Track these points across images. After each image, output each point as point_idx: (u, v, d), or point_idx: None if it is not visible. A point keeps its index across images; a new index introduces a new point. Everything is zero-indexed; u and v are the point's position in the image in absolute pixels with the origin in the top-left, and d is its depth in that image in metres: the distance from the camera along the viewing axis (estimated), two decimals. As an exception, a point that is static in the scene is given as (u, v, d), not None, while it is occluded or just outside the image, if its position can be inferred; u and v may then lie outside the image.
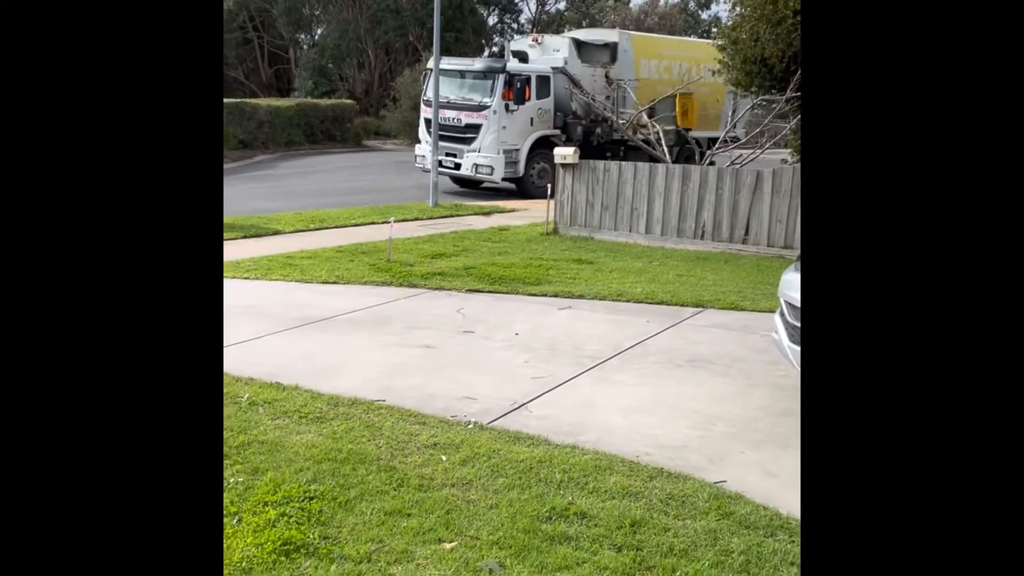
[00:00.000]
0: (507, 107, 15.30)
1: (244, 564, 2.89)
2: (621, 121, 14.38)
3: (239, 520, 3.19)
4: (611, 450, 4.03)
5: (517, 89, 15.31)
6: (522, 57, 16.96)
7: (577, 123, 16.67)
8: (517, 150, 15.63)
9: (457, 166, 15.79)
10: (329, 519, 3.25)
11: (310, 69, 32.57)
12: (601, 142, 16.89)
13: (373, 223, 11.45)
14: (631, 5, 40.63)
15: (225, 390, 4.59)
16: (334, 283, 7.74)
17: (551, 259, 9.25)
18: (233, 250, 9.17)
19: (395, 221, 9.84)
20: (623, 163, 11.19)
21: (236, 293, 7.22)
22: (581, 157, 16.48)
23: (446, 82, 15.76)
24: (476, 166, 15.59)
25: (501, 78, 15.37)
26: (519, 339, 6.07)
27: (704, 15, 43.24)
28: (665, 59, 18.22)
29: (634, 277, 8.36)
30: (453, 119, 15.85)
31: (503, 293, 7.58)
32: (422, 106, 16.72)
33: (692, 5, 43.08)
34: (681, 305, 7.21)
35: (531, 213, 13.17)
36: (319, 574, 2.88)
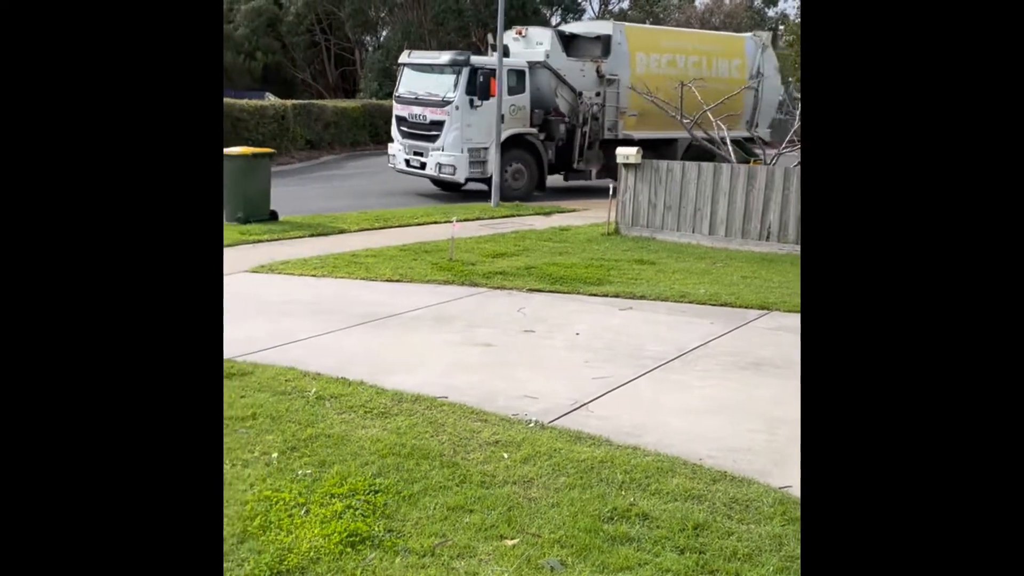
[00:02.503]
0: (471, 103, 14.09)
1: (312, 554, 2.97)
2: (685, 120, 13.57)
3: (307, 511, 3.27)
4: (673, 452, 4.00)
5: (481, 84, 13.98)
6: (504, 53, 15.34)
7: (559, 121, 15.35)
8: (485, 149, 14.26)
9: (422, 165, 14.74)
10: (393, 512, 3.31)
11: (375, 70, 33.08)
12: (590, 142, 15.62)
13: (435, 222, 11.58)
14: (696, 3, 40.10)
15: (293, 384, 4.72)
16: (397, 281, 7.86)
17: (612, 259, 9.21)
18: (300, 248, 9.39)
19: (457, 220, 9.94)
20: (687, 163, 11.05)
21: (303, 290, 7.40)
22: (561, 158, 15.56)
23: (414, 77, 15.02)
24: (439, 165, 14.42)
25: (465, 72, 14.15)
26: (580, 339, 6.06)
27: (771, 12, 42.39)
28: (667, 52, 16.44)
29: (697, 278, 8.26)
30: (419, 116, 14.83)
31: (564, 293, 7.58)
32: (394, 103, 15.73)
33: (758, 2, 42.27)
34: (745, 307, 7.10)
35: (592, 213, 13.13)
36: (384, 566, 2.93)
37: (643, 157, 16.16)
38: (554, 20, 36.73)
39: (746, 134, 17.29)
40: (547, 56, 15.23)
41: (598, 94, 15.68)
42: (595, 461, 3.85)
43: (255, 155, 10.92)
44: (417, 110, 14.79)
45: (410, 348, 5.73)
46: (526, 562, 3.00)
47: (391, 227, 11.22)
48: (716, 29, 29.27)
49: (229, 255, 8.91)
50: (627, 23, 18.26)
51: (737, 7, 40.31)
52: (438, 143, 14.40)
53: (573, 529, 3.22)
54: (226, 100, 18.94)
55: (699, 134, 13.56)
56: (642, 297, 7.42)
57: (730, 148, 12.20)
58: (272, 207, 11.19)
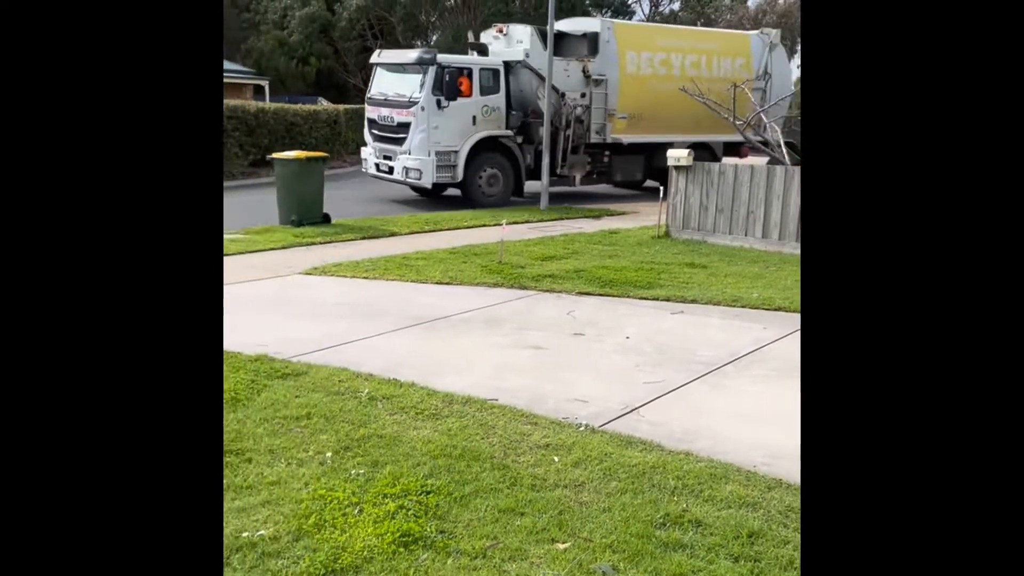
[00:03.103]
0: (438, 103, 13.21)
1: (366, 553, 3.01)
2: (738, 122, 13.20)
3: (360, 510, 3.31)
4: (727, 458, 3.95)
5: (448, 83, 13.19)
6: (481, 49, 14.98)
7: (539, 123, 14.20)
8: (455, 152, 13.52)
9: (390, 170, 13.96)
10: (445, 513, 3.33)
11: (425, 75, 33.34)
12: (574, 146, 14.75)
13: (485, 225, 11.63)
14: (748, 4, 39.53)
15: (346, 385, 4.79)
16: (447, 283, 7.91)
17: (663, 263, 9.13)
18: (352, 251, 9.52)
19: (507, 223, 9.96)
20: (739, 165, 10.89)
21: (355, 292, 7.50)
22: (540, 163, 14.30)
23: (385, 77, 14.29)
24: (406, 170, 13.61)
25: (431, 71, 13.24)
26: (630, 342, 6.02)
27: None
28: (661, 51, 15.37)
29: (750, 282, 8.13)
30: (387, 118, 14.01)
31: (613, 296, 7.54)
32: (366, 105, 14.94)
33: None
34: (799, 312, 6.96)
35: (642, 216, 13.04)
36: (436, 567, 2.95)
37: (635, 163, 15.54)
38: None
39: (753, 137, 16.22)
40: (527, 55, 14.29)
41: (583, 95, 14.79)
42: (647, 466, 3.81)
43: (308, 159, 11.11)
44: (386, 111, 14.02)
45: (460, 350, 5.76)
46: (578, 566, 2.99)
47: (441, 230, 11.29)
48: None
49: (283, 257, 9.09)
50: (616, 20, 17.02)
51: (791, 7, 39.63)
52: (405, 146, 13.61)
53: (625, 534, 3.20)
54: (280, 105, 19.35)
55: (752, 136, 13.28)
56: (693, 301, 7.34)
57: (784, 150, 11.95)
58: (325, 210, 11.38)
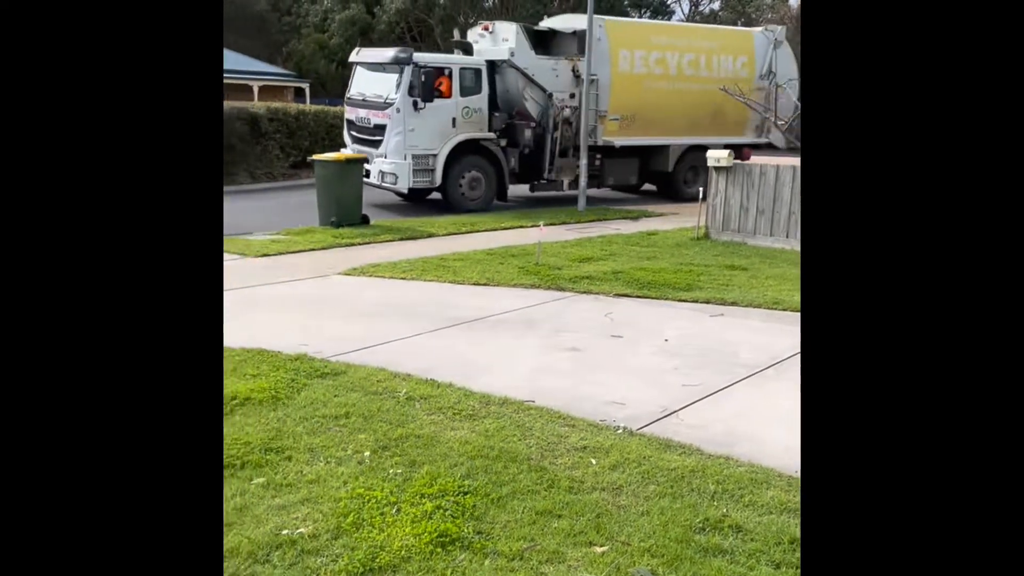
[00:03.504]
0: (414, 105, 12.40)
1: (403, 552, 3.02)
2: (780, 122, 12.92)
3: (398, 510, 3.32)
4: (768, 463, 3.88)
5: (424, 83, 12.36)
6: (465, 48, 14.22)
7: (525, 125, 13.63)
8: (433, 155, 12.74)
9: (367, 173, 12.78)
10: (482, 514, 3.32)
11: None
12: (562, 149, 13.98)
13: (521, 227, 11.62)
14: (790, 3, 38.98)
15: (384, 385, 4.81)
16: (484, 285, 7.92)
17: (702, 264, 9.03)
18: (390, 252, 9.59)
19: (544, 225, 9.94)
20: (781, 166, 10.73)
21: (393, 292, 7.55)
22: (528, 166, 13.89)
23: (364, 77, 13.52)
24: (382, 174, 12.76)
25: (407, 71, 12.43)
26: (668, 345, 5.97)
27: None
28: (656, 49, 14.46)
29: (791, 284, 8.01)
30: (364, 120, 13.22)
31: (652, 298, 7.48)
32: (345, 106, 14.19)
33: None
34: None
35: (680, 218, 12.92)
36: (473, 568, 2.95)
37: (629, 166, 14.85)
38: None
39: (755, 140, 15.89)
40: (512, 53, 13.42)
41: (573, 95, 14.00)
42: (686, 470, 3.77)
43: (348, 161, 11.22)
44: (363, 113, 13.25)
45: (497, 351, 5.76)
46: (615, 570, 2.96)
47: (478, 231, 11.32)
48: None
49: (323, 258, 9.19)
50: (609, 17, 15.89)
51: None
52: (381, 149, 12.80)
53: (664, 539, 3.16)
54: (321, 107, 19.55)
55: (792, 138, 13.04)
56: (733, 303, 7.25)
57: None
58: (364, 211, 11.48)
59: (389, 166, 12.63)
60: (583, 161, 13.52)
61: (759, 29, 16.56)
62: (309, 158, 11.32)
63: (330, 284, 7.93)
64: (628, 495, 3.53)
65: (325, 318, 6.57)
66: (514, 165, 13.74)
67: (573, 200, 13.85)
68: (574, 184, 14.11)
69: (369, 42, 34.82)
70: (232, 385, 4.67)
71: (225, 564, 2.91)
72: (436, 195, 13.63)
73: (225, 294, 7.32)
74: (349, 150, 13.66)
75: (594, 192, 15.31)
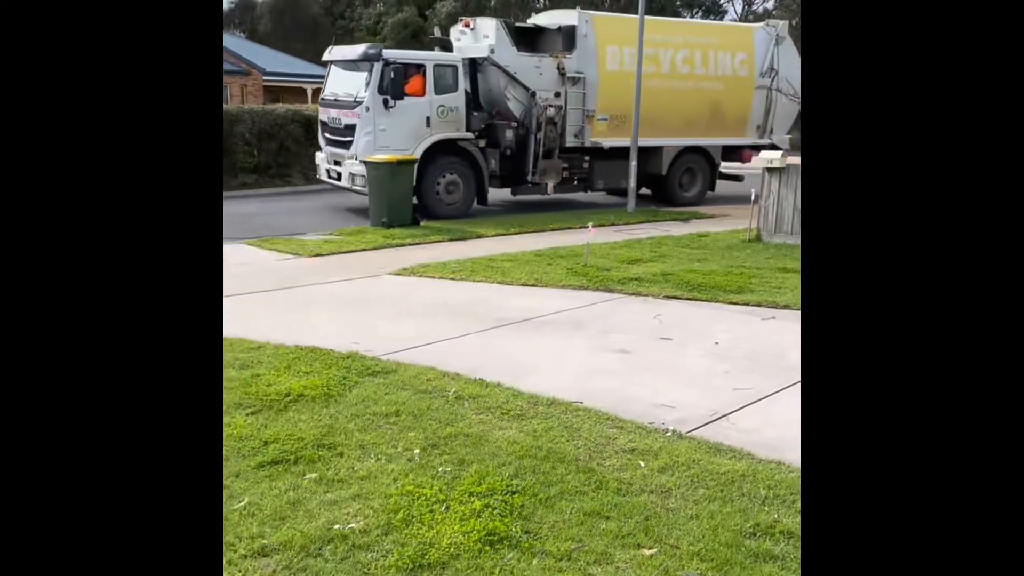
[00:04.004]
0: (385, 103, 11.75)
1: (452, 550, 3.05)
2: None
3: (447, 508, 3.36)
4: (820, 469, 3.81)
5: (394, 80, 11.68)
6: (444, 45, 13.65)
7: (506, 126, 12.92)
8: None
9: (339, 176, 12.54)
10: (530, 514, 3.34)
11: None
12: (546, 150, 13.26)
13: (570, 228, 11.60)
14: None
15: (433, 384, 4.86)
16: (532, 285, 7.94)
17: (753, 267, 8.91)
18: (440, 252, 9.67)
19: (593, 226, 9.91)
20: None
21: (443, 292, 7.61)
22: (510, 168, 13.21)
23: (337, 75, 12.98)
24: (352, 176, 12.13)
25: (377, 68, 11.78)
26: (719, 348, 5.90)
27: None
28: (647, 46, 13.58)
29: (845, 288, 7.83)
30: (336, 120, 12.60)
31: (702, 301, 7.40)
32: (319, 106, 13.62)
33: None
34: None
35: (732, 220, 12.76)
36: (521, 567, 2.96)
37: (619, 169, 13.94)
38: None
39: (756, 141, 15.15)
40: (492, 50, 12.75)
41: (558, 94, 13.26)
42: (736, 474, 3.73)
43: (399, 162, 11.34)
44: (335, 113, 12.65)
45: (545, 352, 5.77)
46: (664, 573, 2.95)
47: (526, 232, 11.34)
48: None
49: (374, 258, 9.31)
50: (596, 12, 15.04)
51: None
52: (351, 150, 12.15)
53: (713, 543, 3.14)
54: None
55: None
56: (786, 307, 7.13)
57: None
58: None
59: (359, 168, 11.87)
60: (633, 164, 13.37)
61: (760, 25, 15.70)
62: (361, 159, 11.46)
63: (381, 284, 8.04)
64: (677, 498, 3.51)
65: (376, 317, 6.66)
66: (495, 167, 13.02)
67: (557, 205, 13.31)
68: (560, 187, 13.63)
69: (421, 46, 35.16)
70: (286, 381, 4.77)
71: (279, 557, 2.98)
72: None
73: (279, 292, 7.49)
74: (323, 152, 13.21)
75: (582, 196, 14.69)
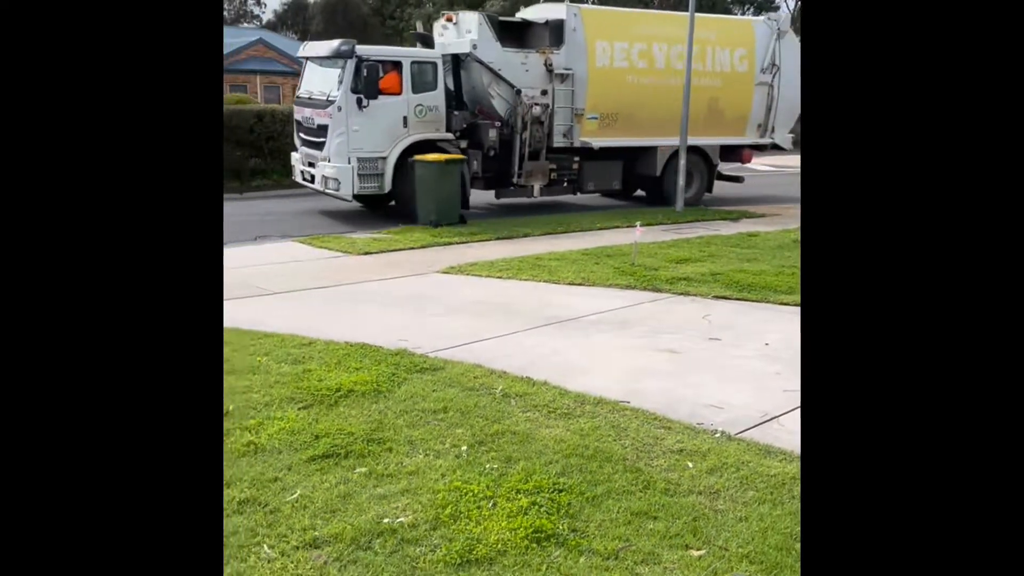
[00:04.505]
0: (359, 102, 11.17)
1: (499, 546, 3.07)
2: None
3: (494, 504, 3.38)
4: (874, 474, 3.74)
5: (368, 78, 11.12)
6: (425, 41, 13.09)
7: (489, 125, 12.28)
8: (381, 158, 11.48)
9: (313, 178, 12.01)
10: (577, 513, 3.34)
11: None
12: (532, 151, 12.65)
13: (617, 227, 11.55)
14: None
15: (480, 381, 4.89)
16: (580, 284, 7.92)
17: (805, 267, 8.74)
18: (487, 251, 9.72)
19: (641, 226, 9.85)
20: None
21: (490, 291, 7.65)
22: (494, 170, 12.37)
23: (312, 73, 12.40)
24: (324, 179, 11.61)
25: (350, 66, 11.22)
26: (769, 349, 5.81)
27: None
28: (640, 41, 13.03)
29: (901, 289, 7.65)
30: (309, 120, 12.03)
31: (752, 301, 7.30)
32: (294, 105, 13.03)
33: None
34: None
35: (783, 219, 12.56)
36: (568, 565, 2.97)
37: (611, 170, 13.44)
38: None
39: (757, 140, 14.63)
40: (474, 46, 12.11)
41: (545, 92, 12.60)
42: (786, 477, 3.67)
43: (447, 161, 11.42)
44: (308, 112, 12.08)
45: (592, 351, 5.76)
46: (713, 574, 2.92)
47: (573, 232, 11.32)
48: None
49: (422, 256, 9.40)
50: (585, 5, 14.15)
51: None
52: (324, 151, 11.60)
53: (763, 545, 3.10)
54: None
55: None
56: (838, 308, 6.98)
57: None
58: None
59: (331, 170, 11.40)
60: (682, 162, 13.22)
61: (761, 18, 15.01)
62: (410, 159, 11.57)
63: (429, 282, 8.11)
64: (726, 500, 3.48)
65: (424, 315, 6.73)
66: (477, 169, 12.39)
67: (546, 208, 12.97)
68: (547, 189, 13.07)
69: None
70: (336, 377, 4.85)
71: (329, 549, 3.04)
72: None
73: (330, 289, 7.61)
74: (297, 153, 12.69)
75: (570, 199, 14.13)
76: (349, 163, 11.34)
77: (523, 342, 5.95)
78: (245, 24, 53.81)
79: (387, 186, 11.60)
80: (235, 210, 12.33)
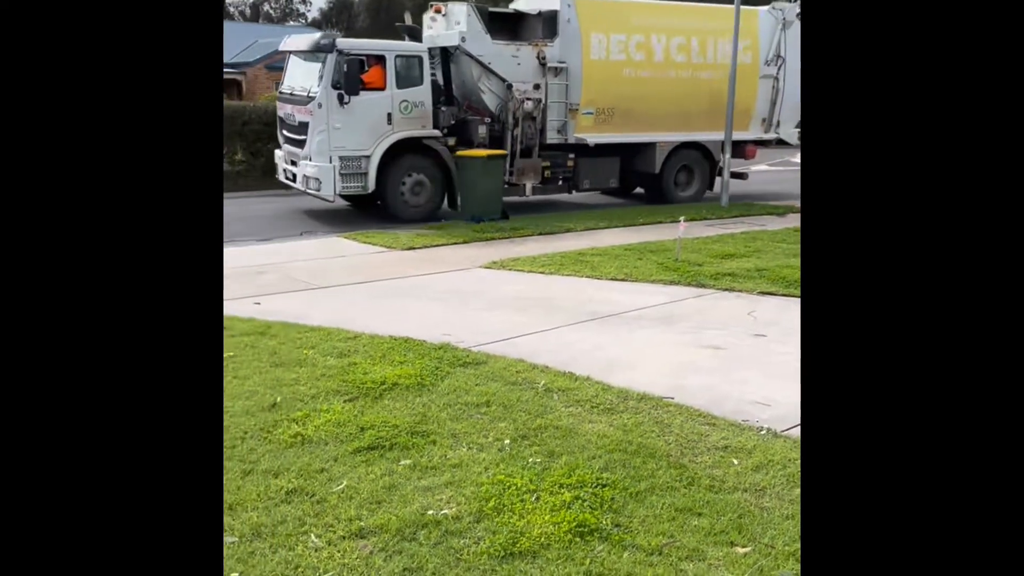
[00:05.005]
0: (340, 98, 10.71)
1: (543, 539, 3.07)
2: None
3: (537, 498, 3.39)
4: (926, 473, 3.66)
5: (349, 73, 10.66)
6: (412, 33, 12.51)
7: (478, 122, 11.86)
8: (365, 157, 10.99)
9: (295, 177, 11.60)
10: (620, 508, 3.33)
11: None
12: (524, 148, 12.19)
13: (660, 222, 11.45)
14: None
15: (523, 376, 4.90)
16: (622, 280, 7.88)
17: (853, 263, 8.57)
18: (529, 246, 9.72)
19: (685, 220, 9.75)
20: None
21: (532, 286, 7.65)
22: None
23: (295, 67, 11.96)
24: (306, 178, 11.19)
25: (330, 61, 10.77)
26: (817, 346, 5.71)
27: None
28: (638, 32, 12.52)
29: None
30: (291, 116, 11.59)
31: (798, 297, 7.17)
32: (277, 101, 12.64)
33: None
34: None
35: (830, 213, 12.30)
36: (612, 559, 2.97)
37: (608, 167, 12.96)
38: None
39: (761, 136, 14.11)
40: (463, 39, 11.64)
41: (537, 86, 12.10)
42: (834, 475, 3.61)
43: (490, 157, 11.44)
44: (289, 109, 11.66)
45: (635, 347, 5.73)
46: (758, 572, 2.89)
47: (616, 227, 11.26)
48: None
49: (464, 251, 9.44)
50: None
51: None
52: (305, 150, 11.15)
53: (810, 544, 3.05)
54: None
55: None
56: (888, 304, 6.84)
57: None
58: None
59: (312, 169, 10.98)
60: (727, 155, 13.04)
61: (765, 8, 14.19)
62: (454, 154, 11.62)
63: (471, 276, 8.15)
64: (772, 497, 3.43)
65: (467, 309, 6.76)
66: None
67: (541, 207, 12.73)
68: (541, 188, 12.58)
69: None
70: (381, 370, 4.90)
71: (375, 539, 3.08)
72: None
73: (374, 284, 7.70)
74: (281, 151, 12.28)
75: (565, 197, 13.70)
76: (331, 162, 10.90)
77: (565, 337, 5.94)
78: (291, 22, 54.57)
79: (371, 186, 11.14)
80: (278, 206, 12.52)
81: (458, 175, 11.55)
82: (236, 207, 12.31)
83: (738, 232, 10.75)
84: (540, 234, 10.60)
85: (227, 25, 31.27)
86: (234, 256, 8.84)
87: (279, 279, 7.78)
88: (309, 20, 56.44)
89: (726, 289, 7.46)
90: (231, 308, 6.47)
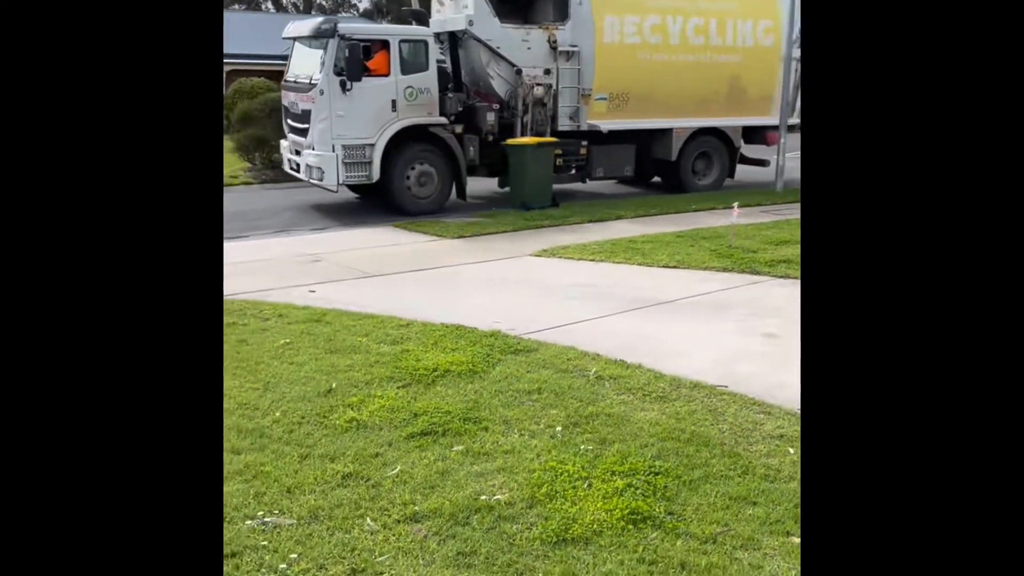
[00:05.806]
0: (342, 85, 10.28)
1: (595, 526, 3.08)
2: None
3: (590, 485, 3.39)
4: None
5: (351, 59, 10.21)
6: (418, 17, 12.18)
7: (487, 108, 11.41)
8: (369, 146, 10.54)
9: (298, 167, 11.18)
10: (674, 496, 3.32)
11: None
12: (537, 133, 11.72)
13: (713, 209, 11.29)
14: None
15: (574, 363, 4.90)
16: (674, 267, 7.81)
17: (914, 249, 8.34)
18: (579, 234, 9.69)
19: (738, 207, 9.60)
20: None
21: (583, 274, 7.63)
22: (494, 157, 11.35)
23: (299, 54, 11.48)
24: (309, 168, 10.77)
25: (332, 46, 10.33)
26: (876, 334, 5.58)
27: None
28: (653, 13, 11.93)
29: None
30: (294, 104, 11.19)
31: (856, 284, 7.02)
32: (282, 90, 12.19)
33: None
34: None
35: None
36: (665, 547, 2.96)
37: (622, 155, 12.39)
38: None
39: (764, 120, 13.29)
40: (470, 22, 11.16)
41: (548, 71, 11.68)
42: (894, 466, 3.54)
43: (539, 144, 11.41)
44: (293, 97, 11.27)
45: (688, 334, 5.67)
46: (815, 563, 2.85)
47: (668, 214, 11.14)
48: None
49: (515, 239, 9.46)
50: None
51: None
52: (308, 138, 10.77)
53: (868, 535, 3.00)
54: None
55: None
56: (951, 291, 6.64)
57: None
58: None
59: (315, 159, 10.58)
60: (781, 142, 12.79)
61: None
62: (503, 143, 11.60)
63: (522, 265, 8.16)
64: (829, 488, 3.38)
65: (517, 297, 6.78)
66: (474, 156, 11.51)
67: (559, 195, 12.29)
68: (552, 177, 11.90)
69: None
70: (434, 357, 4.96)
71: (429, 523, 3.12)
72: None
73: (425, 272, 7.77)
74: (286, 141, 11.89)
75: (579, 187, 13.24)
76: (333, 151, 10.48)
77: (616, 325, 5.92)
78: (344, 12, 55.07)
79: (375, 175, 10.69)
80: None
81: (509, 164, 11.53)
82: (281, 197, 12.52)
83: (793, 218, 10.54)
84: (590, 221, 10.55)
85: (281, 18, 31.75)
86: (285, 245, 9.01)
87: (332, 267, 7.90)
88: (361, 11, 56.91)
89: (781, 276, 7.33)
90: (288, 296, 6.60)
